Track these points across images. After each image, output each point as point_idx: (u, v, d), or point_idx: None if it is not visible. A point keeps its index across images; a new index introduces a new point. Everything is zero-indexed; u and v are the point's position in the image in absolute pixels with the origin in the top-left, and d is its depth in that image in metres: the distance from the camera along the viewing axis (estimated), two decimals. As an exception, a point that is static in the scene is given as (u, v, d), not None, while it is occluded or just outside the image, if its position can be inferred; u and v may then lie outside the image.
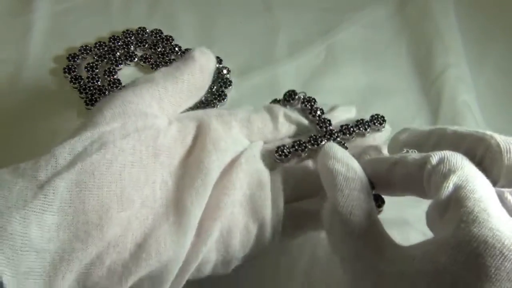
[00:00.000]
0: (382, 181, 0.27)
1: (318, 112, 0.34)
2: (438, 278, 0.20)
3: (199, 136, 0.30)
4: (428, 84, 0.43)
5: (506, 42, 0.46)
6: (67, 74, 0.40)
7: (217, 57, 0.42)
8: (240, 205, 0.29)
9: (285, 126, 0.33)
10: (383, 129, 0.34)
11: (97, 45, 0.42)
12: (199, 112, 0.33)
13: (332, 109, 0.36)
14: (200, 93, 0.33)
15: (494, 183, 0.24)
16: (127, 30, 0.43)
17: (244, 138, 0.32)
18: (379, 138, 0.35)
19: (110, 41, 0.43)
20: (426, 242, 0.23)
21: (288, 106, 0.35)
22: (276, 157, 0.32)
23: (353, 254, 0.24)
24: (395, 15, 0.48)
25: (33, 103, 0.39)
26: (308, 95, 0.35)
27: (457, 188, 0.23)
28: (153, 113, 0.29)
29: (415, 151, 0.27)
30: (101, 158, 0.26)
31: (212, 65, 0.33)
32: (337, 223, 0.25)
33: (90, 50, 0.42)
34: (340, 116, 0.36)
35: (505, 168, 0.24)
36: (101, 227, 0.24)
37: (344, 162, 0.26)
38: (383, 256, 0.23)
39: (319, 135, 0.33)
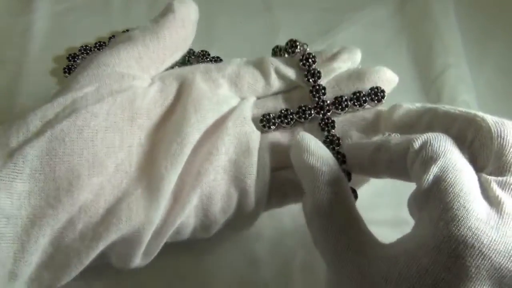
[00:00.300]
0: (366, 167, 0.27)
1: (313, 78, 0.31)
2: (420, 280, 0.20)
3: (181, 96, 0.29)
4: (428, 84, 0.43)
5: (506, 42, 0.46)
6: (67, 74, 0.40)
7: (217, 57, 0.42)
8: (223, 170, 0.28)
9: (277, 81, 0.31)
10: (381, 104, 0.31)
11: (97, 45, 0.42)
12: (185, 69, 0.31)
13: (334, 56, 0.32)
14: (184, 46, 0.31)
15: (482, 169, 0.24)
16: (127, 30, 0.43)
17: (233, 95, 0.31)
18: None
19: (110, 41, 0.43)
20: (407, 238, 0.23)
21: (287, 56, 0.32)
22: (261, 127, 0.30)
23: (335, 251, 0.23)
24: (395, 15, 0.48)
25: (33, 103, 0.39)
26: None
27: (437, 180, 0.22)
28: (132, 74, 0.28)
29: (397, 135, 0.27)
30: (72, 124, 0.25)
31: (194, 14, 0.31)
32: (316, 218, 0.24)
33: (90, 50, 0.42)
34: (340, 67, 0.32)
35: (494, 154, 0.23)
36: (71, 193, 0.25)
37: (318, 155, 0.26)
38: (366, 255, 0.23)
39: (309, 106, 0.30)
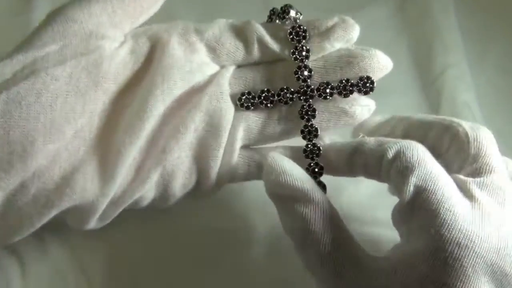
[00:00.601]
0: (342, 169, 0.28)
1: (301, 57, 0.28)
2: (422, 287, 0.21)
3: (153, 60, 0.27)
4: (428, 84, 0.43)
5: (506, 41, 0.46)
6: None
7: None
8: (189, 148, 0.27)
9: (259, 52, 0.29)
10: (368, 96, 0.29)
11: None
12: (162, 27, 0.29)
13: (328, 31, 0.29)
14: None
15: (458, 171, 0.25)
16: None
17: (210, 62, 0.28)
18: (358, 114, 0.30)
19: None
20: (399, 249, 0.23)
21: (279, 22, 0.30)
22: (238, 105, 0.28)
23: (334, 272, 0.23)
24: (395, 15, 0.48)
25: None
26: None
27: (419, 191, 0.23)
28: (101, 32, 0.26)
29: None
30: (29, 87, 0.24)
31: None
32: (308, 243, 0.24)
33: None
34: (333, 46, 0.29)
35: (471, 157, 0.25)
36: (24, 159, 0.24)
37: (295, 176, 0.25)
38: (364, 270, 0.23)
39: (292, 90, 0.28)
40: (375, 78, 0.28)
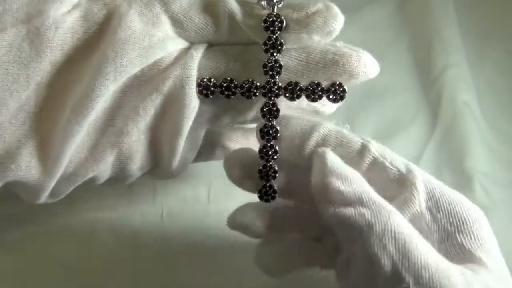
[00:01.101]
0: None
1: (272, 50, 0.25)
2: None
3: (106, 31, 0.25)
4: (428, 84, 0.43)
5: (506, 42, 0.46)
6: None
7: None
8: (149, 131, 0.26)
9: (229, 32, 0.26)
10: (338, 105, 0.27)
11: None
12: None
13: (308, 19, 0.25)
14: None
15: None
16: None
17: (175, 37, 0.25)
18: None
19: None
20: None
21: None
22: (197, 92, 0.25)
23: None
24: (395, 15, 0.48)
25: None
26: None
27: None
28: None
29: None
30: None
31: None
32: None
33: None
34: (312, 39, 0.25)
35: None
36: None
37: (353, 179, 0.23)
38: None
39: (257, 84, 0.25)
40: (357, 81, 0.25)
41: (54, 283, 0.33)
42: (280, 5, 0.25)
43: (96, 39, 0.25)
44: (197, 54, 0.25)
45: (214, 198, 0.36)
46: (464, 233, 0.24)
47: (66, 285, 0.33)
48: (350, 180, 0.23)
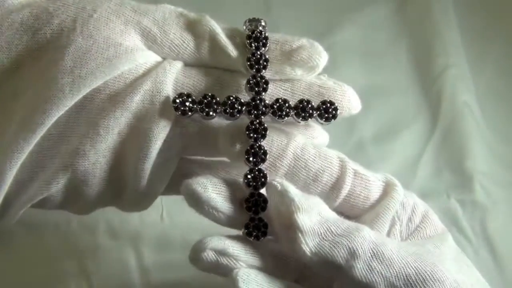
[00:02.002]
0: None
1: (256, 66, 0.23)
2: None
3: (62, 37, 0.21)
4: (428, 84, 0.43)
5: (506, 42, 0.46)
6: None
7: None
8: (111, 153, 0.22)
9: (210, 53, 0.23)
10: (328, 124, 0.24)
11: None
12: None
13: (292, 52, 0.23)
14: None
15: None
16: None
17: (145, 50, 0.23)
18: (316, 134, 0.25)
19: None
20: None
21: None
22: (173, 108, 0.22)
23: None
24: (395, 15, 0.48)
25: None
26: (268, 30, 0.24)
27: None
28: None
29: None
30: None
31: None
32: None
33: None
34: (295, 74, 0.23)
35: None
36: None
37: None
38: None
39: (241, 101, 0.23)
40: (340, 116, 0.24)
41: (54, 283, 0.33)
42: (261, 27, 0.23)
43: (53, 41, 0.21)
44: (171, 69, 0.22)
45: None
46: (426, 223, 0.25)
47: (66, 285, 0.33)
48: (313, 211, 0.20)
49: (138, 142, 0.22)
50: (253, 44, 0.23)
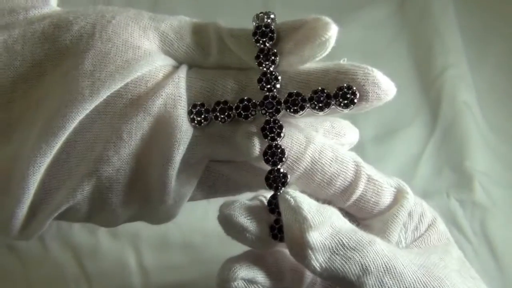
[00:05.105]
0: None
1: (267, 62, 0.22)
2: None
3: (81, 42, 0.22)
4: (428, 84, 0.43)
5: (506, 41, 0.46)
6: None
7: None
8: (135, 160, 0.22)
9: (221, 53, 0.23)
10: (349, 110, 0.22)
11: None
12: (106, 9, 0.23)
13: (296, 31, 0.23)
14: None
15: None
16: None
17: (161, 55, 0.23)
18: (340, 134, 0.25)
19: None
20: None
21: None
22: (189, 120, 0.22)
23: None
24: (395, 15, 0.48)
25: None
26: (275, 21, 0.24)
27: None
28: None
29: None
30: None
31: None
32: None
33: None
34: (303, 51, 0.22)
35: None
36: None
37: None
38: None
39: (254, 101, 0.22)
40: (368, 104, 0.23)
41: (54, 283, 0.33)
42: (269, 20, 0.23)
43: (69, 49, 0.22)
44: (188, 73, 0.23)
45: (213, 199, 0.36)
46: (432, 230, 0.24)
47: (66, 285, 0.33)
48: (325, 224, 0.20)
49: (161, 148, 0.22)
50: (260, 40, 0.22)
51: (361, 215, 0.24)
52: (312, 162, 0.22)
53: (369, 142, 0.41)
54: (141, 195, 0.23)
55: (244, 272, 0.21)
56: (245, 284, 0.21)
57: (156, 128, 0.22)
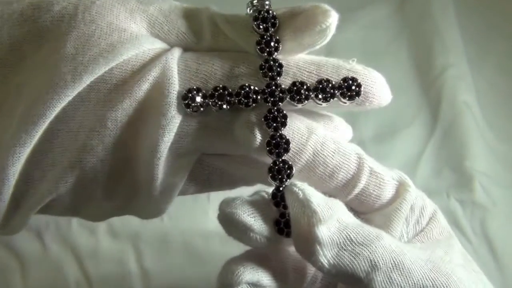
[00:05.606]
0: None
1: (268, 49, 0.21)
2: None
3: (63, 24, 0.20)
4: (428, 84, 0.43)
5: (506, 41, 0.46)
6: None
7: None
8: (119, 149, 0.21)
9: (215, 39, 0.22)
10: (353, 103, 0.22)
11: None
12: None
13: (295, 18, 0.21)
14: None
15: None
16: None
17: (151, 37, 0.21)
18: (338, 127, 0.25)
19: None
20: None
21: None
22: (183, 105, 0.20)
23: None
24: (395, 15, 0.48)
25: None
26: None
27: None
28: None
29: None
30: None
31: None
32: None
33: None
34: (303, 37, 0.21)
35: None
36: None
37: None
38: None
39: (256, 89, 0.21)
40: (369, 105, 0.22)
41: (54, 283, 0.33)
42: (267, 6, 0.22)
43: (50, 31, 0.20)
44: (179, 54, 0.21)
45: (214, 198, 0.36)
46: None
47: (66, 285, 0.33)
48: (332, 218, 0.19)
49: (148, 136, 0.20)
50: (261, 26, 0.21)
51: (361, 209, 0.23)
52: (314, 154, 0.21)
53: (369, 142, 0.41)
54: (128, 187, 0.22)
55: (249, 275, 0.20)
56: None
57: (143, 114, 0.20)
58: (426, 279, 0.19)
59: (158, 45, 0.21)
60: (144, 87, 0.20)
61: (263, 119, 0.21)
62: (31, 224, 0.34)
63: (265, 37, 0.21)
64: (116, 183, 0.22)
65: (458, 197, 0.39)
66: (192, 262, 0.33)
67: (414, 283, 0.19)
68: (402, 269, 0.19)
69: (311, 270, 0.22)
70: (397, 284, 0.19)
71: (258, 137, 0.21)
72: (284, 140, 0.21)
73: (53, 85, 0.19)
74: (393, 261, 0.19)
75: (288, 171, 0.21)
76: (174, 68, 0.20)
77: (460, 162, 0.40)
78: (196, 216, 0.35)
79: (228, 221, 0.20)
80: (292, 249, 0.21)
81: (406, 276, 0.19)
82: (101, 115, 0.20)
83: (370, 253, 0.19)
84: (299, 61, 0.22)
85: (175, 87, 0.20)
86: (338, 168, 0.22)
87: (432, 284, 0.19)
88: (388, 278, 0.19)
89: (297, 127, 0.21)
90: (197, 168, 0.23)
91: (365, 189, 0.22)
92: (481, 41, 0.46)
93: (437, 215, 0.24)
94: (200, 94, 0.20)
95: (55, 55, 0.20)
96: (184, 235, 0.34)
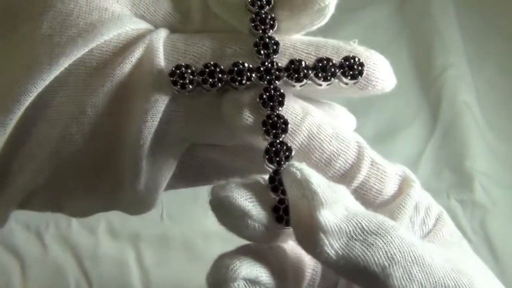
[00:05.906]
0: None
1: (263, 26, 0.20)
2: None
3: (44, 0, 0.19)
4: (428, 84, 0.43)
5: (506, 41, 0.46)
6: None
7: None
8: (102, 135, 0.19)
9: (204, 19, 0.20)
10: (355, 82, 0.20)
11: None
12: None
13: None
14: None
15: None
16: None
17: (137, 19, 0.20)
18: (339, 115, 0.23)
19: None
20: None
21: None
22: (171, 82, 0.18)
23: None
24: (395, 15, 0.48)
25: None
26: None
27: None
28: None
29: None
30: None
31: None
32: None
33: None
34: (300, 17, 0.20)
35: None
36: None
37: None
38: None
39: (250, 66, 0.19)
40: (371, 90, 0.21)
41: (54, 282, 0.33)
42: None
43: (25, 11, 0.19)
44: (167, 35, 0.20)
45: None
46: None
47: (66, 285, 0.33)
48: (338, 203, 0.17)
49: (131, 123, 0.19)
50: (256, 4, 0.20)
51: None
52: (309, 137, 0.19)
53: (369, 142, 0.41)
54: (111, 180, 0.20)
55: (246, 270, 0.17)
56: (247, 285, 0.17)
57: (125, 100, 0.19)
58: (448, 278, 0.17)
59: (142, 26, 0.19)
60: (126, 69, 0.18)
61: (258, 99, 0.19)
62: (31, 224, 0.34)
63: (260, 14, 0.20)
64: (98, 175, 0.20)
65: (458, 197, 0.39)
66: (192, 262, 0.33)
67: (436, 282, 0.17)
68: (423, 264, 0.17)
69: (309, 272, 0.20)
70: (418, 281, 0.17)
71: (247, 114, 0.19)
72: (282, 120, 0.19)
73: (28, 69, 0.18)
74: (413, 254, 0.17)
75: (287, 153, 0.19)
76: (160, 48, 0.19)
77: (460, 162, 0.40)
78: (196, 216, 0.35)
79: (223, 206, 0.18)
80: (290, 247, 0.19)
81: (427, 273, 0.17)
82: (80, 101, 0.19)
83: (386, 243, 0.16)
84: (296, 42, 0.20)
85: (160, 68, 0.18)
86: (336, 155, 0.20)
87: (455, 284, 0.17)
88: (408, 274, 0.16)
89: (291, 106, 0.20)
90: (187, 160, 0.21)
91: (365, 182, 0.20)
92: (481, 41, 0.46)
93: (443, 216, 0.22)
94: (189, 71, 0.18)
95: (30, 36, 0.18)
96: (184, 235, 0.34)
